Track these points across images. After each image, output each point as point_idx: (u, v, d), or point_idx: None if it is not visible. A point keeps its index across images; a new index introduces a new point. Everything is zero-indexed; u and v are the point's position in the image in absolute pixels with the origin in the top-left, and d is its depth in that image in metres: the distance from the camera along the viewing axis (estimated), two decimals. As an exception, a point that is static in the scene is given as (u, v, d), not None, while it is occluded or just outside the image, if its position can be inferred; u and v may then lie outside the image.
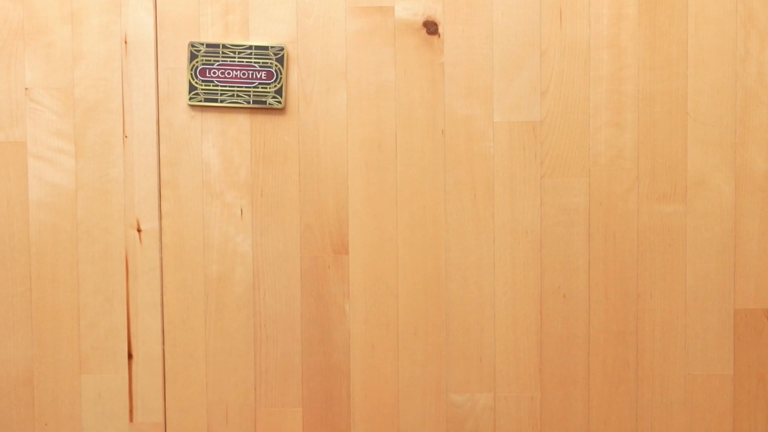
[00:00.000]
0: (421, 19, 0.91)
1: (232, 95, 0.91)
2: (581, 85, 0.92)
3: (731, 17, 0.91)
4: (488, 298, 0.93)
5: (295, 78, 0.91)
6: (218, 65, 0.90)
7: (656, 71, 0.91)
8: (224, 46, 0.90)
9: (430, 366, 0.93)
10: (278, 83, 0.90)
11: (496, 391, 0.93)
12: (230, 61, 0.90)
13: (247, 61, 0.90)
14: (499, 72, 0.92)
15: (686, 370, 0.93)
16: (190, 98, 0.91)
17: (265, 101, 0.91)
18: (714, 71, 0.91)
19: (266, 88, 0.90)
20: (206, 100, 0.91)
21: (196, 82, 0.90)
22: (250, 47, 0.90)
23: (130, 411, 0.92)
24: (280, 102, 0.90)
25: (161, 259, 0.92)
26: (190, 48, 0.90)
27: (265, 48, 0.90)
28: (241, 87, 0.91)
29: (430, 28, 0.91)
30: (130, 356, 0.92)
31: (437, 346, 0.93)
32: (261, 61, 0.90)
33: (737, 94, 0.91)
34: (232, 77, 0.90)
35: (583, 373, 0.93)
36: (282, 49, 0.90)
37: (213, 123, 0.91)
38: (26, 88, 0.91)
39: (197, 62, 0.90)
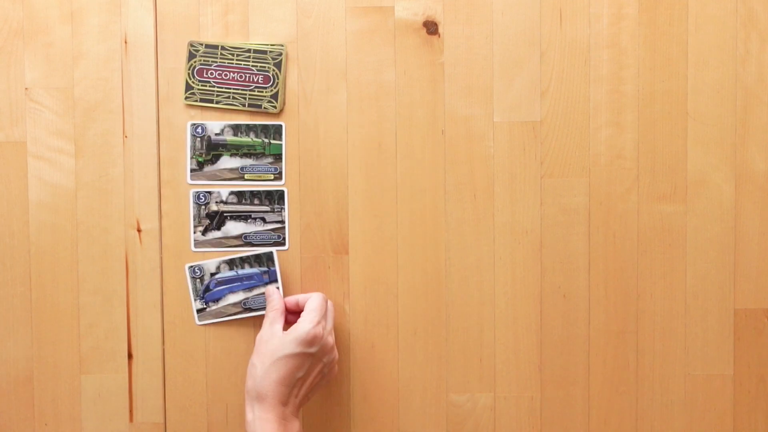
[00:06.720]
0: (421, 19, 0.91)
1: (228, 97, 0.90)
2: (581, 85, 0.91)
3: (731, 17, 0.91)
4: (488, 298, 0.93)
5: (294, 78, 0.91)
6: (216, 66, 0.90)
7: (656, 71, 0.91)
8: (223, 48, 0.90)
9: (430, 366, 0.93)
10: (275, 88, 0.90)
11: (496, 391, 0.93)
12: (228, 63, 0.90)
13: (244, 64, 0.90)
14: (499, 72, 0.92)
15: (686, 370, 0.93)
16: (186, 97, 0.91)
17: (261, 105, 0.90)
18: (714, 71, 0.91)
19: (263, 92, 0.90)
20: (202, 100, 0.90)
21: (193, 82, 0.90)
22: (249, 50, 0.90)
23: (130, 411, 0.93)
24: (275, 106, 0.90)
25: (161, 259, 0.92)
26: (189, 47, 0.90)
27: (264, 52, 0.90)
28: (238, 90, 0.90)
29: (430, 28, 0.91)
30: (130, 356, 0.92)
31: (437, 346, 0.93)
32: (259, 64, 0.90)
33: (737, 94, 0.91)
34: (228, 79, 0.90)
35: (583, 373, 0.93)
36: (280, 54, 0.90)
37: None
38: (26, 88, 0.91)
39: (195, 62, 0.90)
